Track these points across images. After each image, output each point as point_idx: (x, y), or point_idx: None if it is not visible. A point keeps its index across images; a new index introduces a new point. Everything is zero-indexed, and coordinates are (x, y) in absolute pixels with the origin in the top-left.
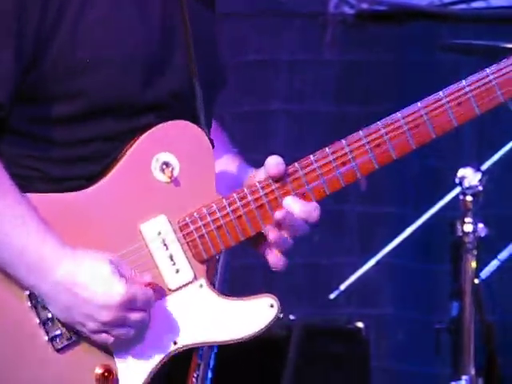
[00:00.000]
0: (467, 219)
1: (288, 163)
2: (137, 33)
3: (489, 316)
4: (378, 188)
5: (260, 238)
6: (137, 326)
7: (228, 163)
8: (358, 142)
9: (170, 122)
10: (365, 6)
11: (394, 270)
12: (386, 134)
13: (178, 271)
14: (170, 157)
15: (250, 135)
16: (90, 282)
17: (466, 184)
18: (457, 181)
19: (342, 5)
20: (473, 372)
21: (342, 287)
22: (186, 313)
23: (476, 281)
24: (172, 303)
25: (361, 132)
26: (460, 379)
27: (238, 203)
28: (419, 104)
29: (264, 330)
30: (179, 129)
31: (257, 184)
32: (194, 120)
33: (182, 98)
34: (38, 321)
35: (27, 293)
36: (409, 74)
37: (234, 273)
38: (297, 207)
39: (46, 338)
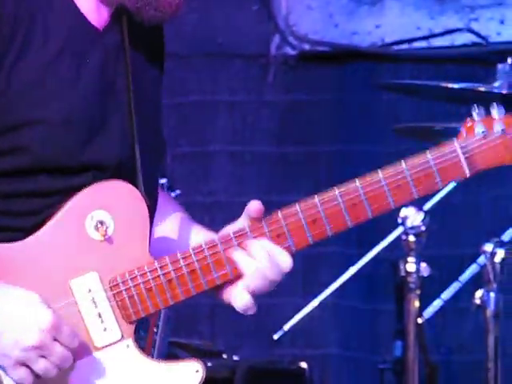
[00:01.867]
0: (410, 259)
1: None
2: (72, 94)
3: (433, 356)
4: None
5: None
6: (59, 364)
7: (178, 223)
8: (292, 217)
9: (107, 182)
10: (306, 46)
11: (338, 309)
12: (324, 210)
13: (105, 330)
14: (105, 215)
15: (191, 176)
16: (19, 307)
17: (409, 224)
18: (399, 220)
19: (283, 46)
20: None
21: (286, 328)
22: (110, 372)
23: (419, 320)
24: (97, 361)
25: (297, 205)
26: None
27: (170, 267)
28: (357, 183)
29: None
30: (116, 189)
31: (190, 250)
32: (133, 182)
33: (121, 160)
34: None
35: None
36: (350, 113)
37: (180, 312)
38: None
39: None
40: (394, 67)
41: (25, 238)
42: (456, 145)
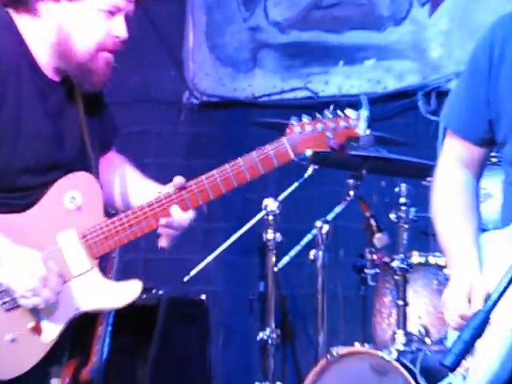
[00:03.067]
0: (269, 231)
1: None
2: (40, 121)
3: (283, 291)
4: (215, 211)
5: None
6: (47, 300)
7: (133, 178)
8: (205, 180)
9: (75, 173)
10: (205, 98)
11: (226, 262)
12: (217, 177)
13: (79, 263)
14: (75, 193)
15: None
16: (25, 261)
17: (269, 209)
18: (263, 207)
19: (191, 97)
20: (273, 325)
21: (192, 273)
22: (84, 290)
23: (275, 269)
24: (74, 284)
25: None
26: (265, 329)
27: (116, 223)
28: (227, 165)
29: (134, 300)
30: (81, 177)
31: (135, 208)
32: (89, 171)
33: (79, 158)
34: None
35: None
36: (234, 142)
37: (122, 264)
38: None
39: (1, 302)
40: (261, 112)
41: (23, 211)
42: (283, 138)
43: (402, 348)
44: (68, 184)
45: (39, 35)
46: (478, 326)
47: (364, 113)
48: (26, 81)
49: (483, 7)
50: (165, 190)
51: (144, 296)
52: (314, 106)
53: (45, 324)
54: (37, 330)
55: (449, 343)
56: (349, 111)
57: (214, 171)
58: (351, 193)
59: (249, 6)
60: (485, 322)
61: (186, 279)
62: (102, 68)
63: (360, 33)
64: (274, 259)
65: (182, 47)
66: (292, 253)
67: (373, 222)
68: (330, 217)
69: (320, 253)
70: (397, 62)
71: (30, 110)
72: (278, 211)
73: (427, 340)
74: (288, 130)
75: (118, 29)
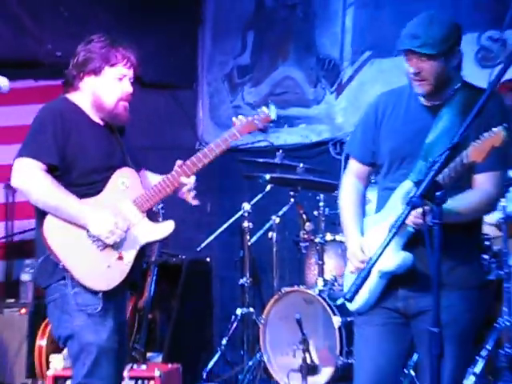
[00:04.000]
0: (245, 222)
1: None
2: (98, 144)
3: (253, 256)
4: (214, 210)
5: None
6: (120, 236)
7: (147, 177)
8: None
9: (121, 168)
10: None
11: (221, 240)
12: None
13: (135, 216)
14: (125, 178)
15: None
16: (102, 218)
17: (245, 209)
18: (242, 208)
19: (200, 145)
20: (248, 275)
21: (202, 246)
22: (141, 231)
23: (249, 243)
24: (135, 228)
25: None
26: (243, 278)
27: (152, 191)
28: (206, 149)
29: (170, 233)
30: (125, 170)
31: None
32: (130, 167)
33: (123, 162)
34: (92, 239)
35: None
36: (225, 172)
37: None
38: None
39: (96, 245)
40: (241, 153)
41: (94, 195)
42: (233, 128)
43: (321, 288)
44: (119, 175)
45: (84, 100)
46: (370, 267)
47: (273, 108)
48: (84, 126)
49: (366, 94)
50: (173, 172)
51: (174, 259)
52: (270, 151)
53: (124, 254)
54: (120, 258)
55: (345, 285)
56: (265, 108)
57: (198, 153)
58: (292, 200)
59: (233, 93)
60: (373, 264)
61: (198, 249)
62: (122, 112)
63: (297, 109)
64: (248, 238)
65: (195, 117)
66: (258, 234)
67: (304, 216)
68: (280, 213)
69: (274, 234)
70: (317, 125)
71: (90, 140)
72: (250, 210)
73: (336, 284)
74: (234, 123)
75: (127, 87)
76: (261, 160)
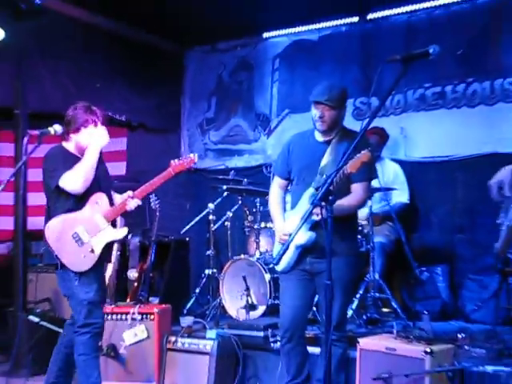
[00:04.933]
0: (211, 216)
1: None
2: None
3: (216, 237)
4: (191, 209)
5: None
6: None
7: (115, 197)
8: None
9: (96, 193)
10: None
11: (195, 227)
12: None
13: (104, 224)
14: (99, 200)
15: None
16: (80, 228)
17: (210, 208)
18: (208, 207)
19: None
20: (212, 248)
21: (183, 230)
22: (106, 234)
23: (213, 229)
24: (103, 232)
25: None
26: (209, 250)
27: (113, 209)
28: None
29: (124, 235)
30: (100, 194)
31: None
32: (103, 192)
33: (99, 190)
34: (74, 239)
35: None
36: (197, 186)
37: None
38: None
39: (77, 243)
40: (207, 174)
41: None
42: (169, 168)
43: (258, 256)
44: (95, 197)
45: (70, 147)
46: (290, 241)
47: (196, 155)
48: (73, 163)
49: (285, 136)
50: (125, 195)
51: (166, 239)
52: (226, 171)
53: (94, 248)
54: (92, 251)
55: (275, 252)
56: (191, 155)
57: (146, 183)
58: (240, 201)
59: (203, 135)
60: (291, 240)
61: (181, 232)
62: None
63: (243, 145)
64: (212, 225)
65: (179, 151)
66: (218, 223)
67: (247, 211)
68: (232, 210)
69: (229, 223)
70: (255, 155)
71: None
72: (213, 208)
73: (267, 254)
74: (170, 164)
75: (100, 136)
76: (220, 177)
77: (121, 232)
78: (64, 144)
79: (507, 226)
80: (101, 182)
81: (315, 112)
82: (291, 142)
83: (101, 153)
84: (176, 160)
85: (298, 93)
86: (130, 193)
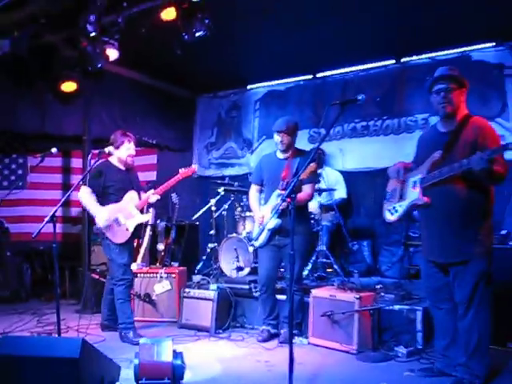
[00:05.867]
0: (214, 206)
1: None
2: (121, 178)
3: (201, 225)
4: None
5: None
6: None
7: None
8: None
9: (131, 190)
10: (197, 175)
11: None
12: None
13: (135, 211)
14: (131, 195)
15: None
16: (105, 211)
17: (212, 203)
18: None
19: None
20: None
21: (194, 217)
22: (136, 218)
23: (195, 217)
24: (134, 217)
25: None
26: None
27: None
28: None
29: (150, 218)
30: (132, 191)
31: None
32: (134, 190)
33: (132, 188)
34: (115, 222)
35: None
36: (200, 187)
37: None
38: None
39: (116, 224)
40: (208, 178)
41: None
42: (179, 174)
43: (244, 235)
44: (129, 193)
45: (116, 160)
46: (263, 227)
47: (197, 165)
48: (118, 175)
49: (264, 153)
50: (149, 192)
51: (182, 222)
52: (223, 177)
53: (129, 227)
54: (127, 229)
55: (254, 233)
56: (193, 165)
57: (164, 184)
58: (232, 198)
59: (208, 154)
60: (265, 225)
61: (193, 218)
62: (131, 162)
63: (235, 160)
64: (213, 214)
65: (192, 163)
66: (218, 213)
67: (237, 205)
68: (227, 204)
69: (225, 212)
70: (243, 166)
71: (120, 183)
72: (214, 203)
73: (250, 233)
74: (179, 172)
75: (131, 152)
76: (219, 181)
77: (146, 217)
78: (110, 158)
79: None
80: (133, 184)
81: (277, 138)
82: (261, 160)
83: (133, 165)
84: (183, 168)
85: (271, 124)
86: (152, 191)
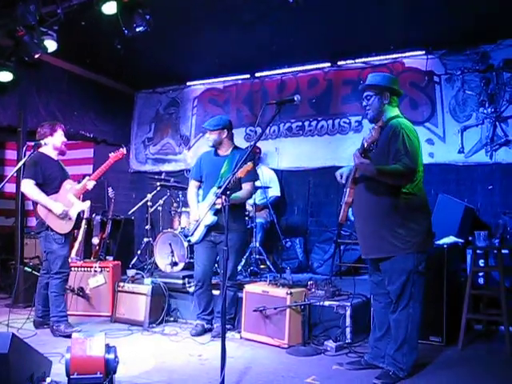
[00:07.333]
0: (149, 203)
1: None
2: (58, 170)
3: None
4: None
5: None
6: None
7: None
8: None
9: (67, 179)
10: (133, 170)
11: (141, 208)
12: None
13: (74, 200)
14: (69, 184)
15: None
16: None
17: (148, 198)
18: (146, 197)
19: (131, 170)
20: (149, 224)
21: (130, 212)
22: (76, 206)
23: (151, 210)
24: (74, 206)
25: None
26: (146, 225)
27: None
28: None
29: (88, 207)
30: (69, 180)
31: None
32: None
33: (66, 177)
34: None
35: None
36: (140, 182)
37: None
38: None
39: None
40: (144, 174)
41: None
42: (110, 158)
43: (179, 230)
44: (66, 182)
45: (48, 151)
46: (199, 222)
47: (125, 149)
48: (53, 164)
49: (199, 151)
50: (85, 179)
51: (118, 217)
52: (159, 173)
53: (72, 217)
54: (70, 219)
55: (190, 229)
56: (122, 149)
57: (97, 169)
58: (168, 193)
59: (145, 149)
60: (201, 221)
61: (129, 213)
62: (64, 151)
63: (171, 156)
64: (149, 209)
65: (129, 159)
66: (154, 208)
67: (173, 200)
68: (163, 199)
69: (160, 207)
70: (180, 163)
71: (56, 172)
72: (150, 197)
73: (185, 229)
74: (109, 156)
75: (64, 137)
76: (156, 176)
77: (85, 204)
78: (41, 149)
79: (342, 203)
80: (66, 173)
81: (207, 135)
82: (201, 157)
83: (59, 160)
84: (112, 153)
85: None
86: (87, 177)
